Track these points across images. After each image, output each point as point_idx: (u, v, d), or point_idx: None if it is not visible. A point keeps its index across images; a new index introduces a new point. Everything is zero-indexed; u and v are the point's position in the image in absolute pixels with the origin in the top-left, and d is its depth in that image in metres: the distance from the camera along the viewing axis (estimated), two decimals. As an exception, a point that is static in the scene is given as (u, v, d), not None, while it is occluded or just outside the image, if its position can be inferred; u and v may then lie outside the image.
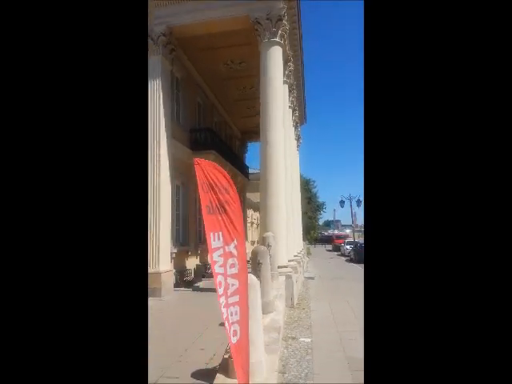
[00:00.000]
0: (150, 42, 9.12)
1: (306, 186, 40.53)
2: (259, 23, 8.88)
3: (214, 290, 9.06)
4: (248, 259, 3.61)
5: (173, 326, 5.65)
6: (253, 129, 20.28)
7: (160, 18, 9.19)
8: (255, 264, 5.38)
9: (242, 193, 19.60)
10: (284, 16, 8.86)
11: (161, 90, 9.01)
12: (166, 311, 6.79)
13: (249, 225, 25.39)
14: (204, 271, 11.15)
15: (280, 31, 8.89)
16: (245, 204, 20.84)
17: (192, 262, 11.01)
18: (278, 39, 8.85)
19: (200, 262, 11.64)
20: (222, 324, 5.68)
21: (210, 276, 11.39)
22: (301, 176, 46.76)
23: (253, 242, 24.52)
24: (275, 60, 8.81)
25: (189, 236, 11.09)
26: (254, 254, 5.43)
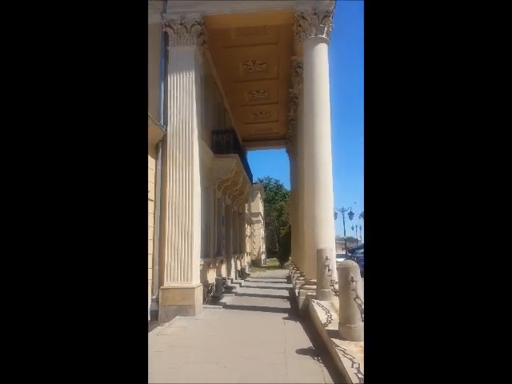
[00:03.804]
0: (182, 29, 8.29)
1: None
2: (304, 18, 8.25)
3: (245, 308, 8.16)
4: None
5: (243, 355, 4.70)
6: (252, 136, 19.64)
7: (194, 6, 8.37)
8: (345, 282, 4.58)
9: (246, 203, 18.77)
10: (332, 12, 8.27)
11: (194, 84, 8.13)
12: (218, 336, 5.79)
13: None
14: (222, 286, 10.15)
15: (326, 28, 8.30)
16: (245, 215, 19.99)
17: (212, 276, 10.01)
18: (324, 36, 8.25)
19: (217, 275, 10.64)
20: (300, 351, 4.96)
21: (228, 291, 10.41)
22: (281, 186, 46.82)
23: (247, 254, 23.59)
24: (321, 58, 8.17)
25: (209, 247, 10.10)
26: (345, 270, 4.62)
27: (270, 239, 35.55)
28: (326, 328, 4.89)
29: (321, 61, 8.15)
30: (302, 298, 7.03)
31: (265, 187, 42.13)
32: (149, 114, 6.87)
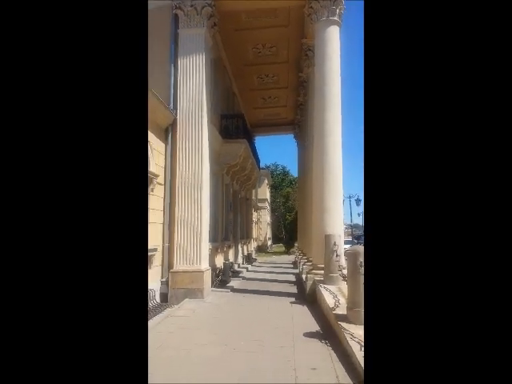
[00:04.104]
0: (193, 11, 8.17)
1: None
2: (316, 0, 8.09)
3: (253, 292, 8.23)
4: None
5: (250, 337, 4.78)
6: (261, 121, 19.49)
7: (205, -13, 8.23)
8: (354, 267, 4.60)
9: (254, 188, 18.77)
10: (344, -6, 8.09)
11: (204, 68, 8.05)
12: (226, 319, 5.89)
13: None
14: (229, 270, 10.25)
15: (338, 10, 8.13)
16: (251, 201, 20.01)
17: (219, 260, 10.12)
18: (336, 18, 8.09)
19: (225, 259, 10.75)
20: (307, 334, 5.03)
21: (235, 276, 10.53)
22: (288, 172, 46.51)
23: (253, 239, 23.73)
24: (332, 41, 8.03)
25: (218, 232, 10.18)
26: (354, 255, 4.63)
27: (276, 225, 35.65)
28: (334, 312, 4.94)
29: (332, 43, 8.02)
30: (309, 283, 7.09)
31: (271, 173, 42.04)
32: (159, 97, 6.85)
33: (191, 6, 8.19)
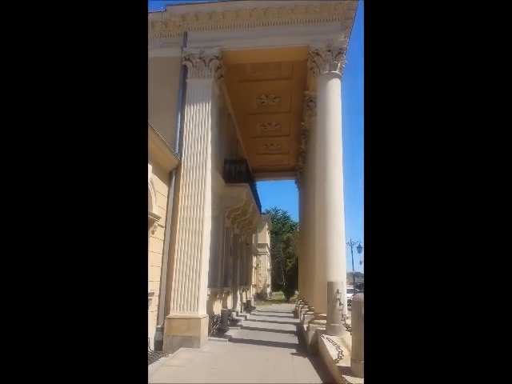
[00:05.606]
0: (201, 63, 8.61)
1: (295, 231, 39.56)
2: (318, 54, 8.55)
3: (252, 342, 7.86)
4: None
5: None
6: (263, 167, 19.81)
7: (214, 42, 8.75)
8: (359, 316, 4.45)
9: (254, 233, 18.63)
10: (345, 49, 8.55)
11: (210, 116, 8.34)
12: (224, 371, 5.57)
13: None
14: (227, 318, 9.90)
15: (339, 64, 8.56)
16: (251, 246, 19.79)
17: (217, 307, 9.80)
18: (337, 72, 8.49)
19: (223, 307, 10.41)
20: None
21: (233, 324, 10.15)
22: (288, 217, 46.18)
23: (252, 286, 23.13)
24: (334, 93, 8.38)
25: (217, 277, 9.96)
26: (358, 303, 4.49)
27: (276, 272, 34.96)
28: (337, 364, 4.70)
29: (334, 95, 8.35)
30: (311, 333, 6.81)
31: (272, 218, 41.92)
32: (165, 141, 7.03)
33: (200, 58, 8.64)
